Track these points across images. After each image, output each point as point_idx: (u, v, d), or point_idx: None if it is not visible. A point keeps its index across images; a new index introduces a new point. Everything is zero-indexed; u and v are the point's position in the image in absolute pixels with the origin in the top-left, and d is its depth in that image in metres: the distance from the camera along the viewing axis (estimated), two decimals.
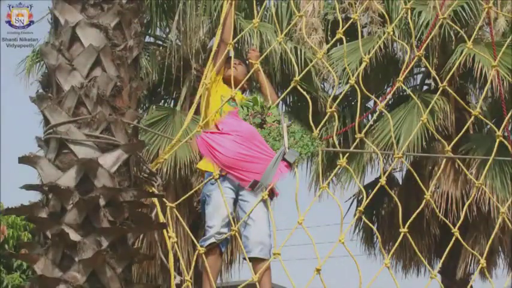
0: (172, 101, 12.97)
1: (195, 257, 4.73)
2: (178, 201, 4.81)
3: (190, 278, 4.18)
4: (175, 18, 11.70)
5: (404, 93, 12.99)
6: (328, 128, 11.62)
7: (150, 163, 4.13)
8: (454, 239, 4.83)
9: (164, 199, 4.23)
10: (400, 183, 13.35)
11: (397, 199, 5.12)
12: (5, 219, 12.56)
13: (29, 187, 3.63)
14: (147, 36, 12.73)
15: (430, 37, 8.36)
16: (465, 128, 6.15)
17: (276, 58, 11.84)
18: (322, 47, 11.64)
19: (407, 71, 5.24)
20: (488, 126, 12.89)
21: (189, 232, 4.90)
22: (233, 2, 5.11)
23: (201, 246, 4.81)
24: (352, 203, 13.37)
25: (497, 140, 5.05)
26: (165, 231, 4.08)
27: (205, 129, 5.24)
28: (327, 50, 11.65)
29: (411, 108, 11.95)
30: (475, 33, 6.32)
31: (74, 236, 3.52)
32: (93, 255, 3.48)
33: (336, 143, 5.06)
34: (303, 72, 5.37)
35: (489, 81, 11.03)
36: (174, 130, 11.24)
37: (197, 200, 10.43)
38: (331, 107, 4.74)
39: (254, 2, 5.88)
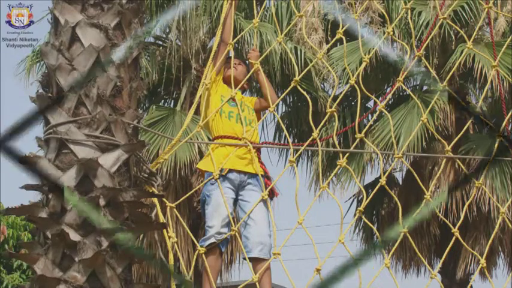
0: (172, 101, 12.97)
1: (195, 257, 4.73)
2: (178, 201, 4.80)
3: (190, 278, 4.18)
4: (175, 18, 11.69)
5: (405, 93, 13.00)
6: (328, 128, 11.65)
7: (150, 163, 4.12)
8: (454, 239, 4.82)
9: (164, 199, 4.22)
10: (400, 183, 13.36)
11: (397, 199, 5.11)
12: (5, 219, 12.56)
13: (29, 187, 3.62)
14: (147, 36, 12.74)
15: (430, 37, 8.35)
16: (465, 128, 6.15)
17: (276, 58, 11.84)
18: (322, 47, 11.66)
19: (407, 71, 5.23)
20: (489, 126, 12.90)
21: (189, 232, 4.88)
22: (233, 2, 5.10)
23: (201, 246, 4.81)
24: (352, 203, 13.40)
25: (497, 140, 5.05)
26: (165, 231, 4.07)
27: (205, 129, 5.24)
28: (327, 50, 11.68)
29: (411, 108, 11.95)
30: (475, 33, 6.32)
31: (74, 236, 3.52)
32: (93, 255, 3.47)
33: (336, 143, 5.05)
34: (303, 72, 5.36)
35: (489, 81, 11.07)
36: (174, 130, 11.23)
37: (197, 200, 10.43)
38: (331, 107, 4.73)
39: (254, 2, 5.85)
